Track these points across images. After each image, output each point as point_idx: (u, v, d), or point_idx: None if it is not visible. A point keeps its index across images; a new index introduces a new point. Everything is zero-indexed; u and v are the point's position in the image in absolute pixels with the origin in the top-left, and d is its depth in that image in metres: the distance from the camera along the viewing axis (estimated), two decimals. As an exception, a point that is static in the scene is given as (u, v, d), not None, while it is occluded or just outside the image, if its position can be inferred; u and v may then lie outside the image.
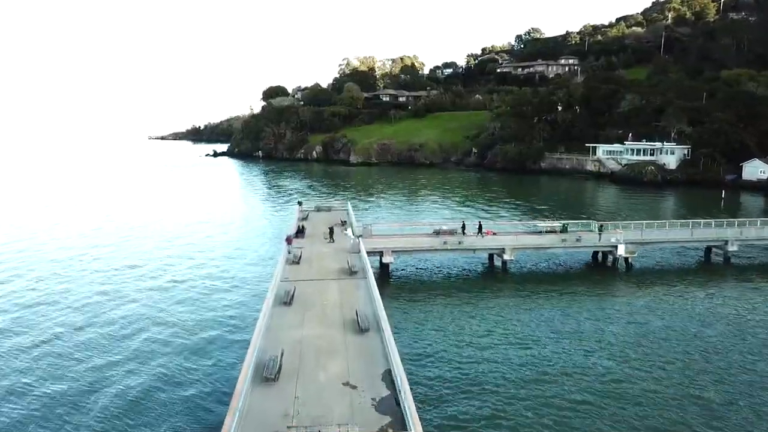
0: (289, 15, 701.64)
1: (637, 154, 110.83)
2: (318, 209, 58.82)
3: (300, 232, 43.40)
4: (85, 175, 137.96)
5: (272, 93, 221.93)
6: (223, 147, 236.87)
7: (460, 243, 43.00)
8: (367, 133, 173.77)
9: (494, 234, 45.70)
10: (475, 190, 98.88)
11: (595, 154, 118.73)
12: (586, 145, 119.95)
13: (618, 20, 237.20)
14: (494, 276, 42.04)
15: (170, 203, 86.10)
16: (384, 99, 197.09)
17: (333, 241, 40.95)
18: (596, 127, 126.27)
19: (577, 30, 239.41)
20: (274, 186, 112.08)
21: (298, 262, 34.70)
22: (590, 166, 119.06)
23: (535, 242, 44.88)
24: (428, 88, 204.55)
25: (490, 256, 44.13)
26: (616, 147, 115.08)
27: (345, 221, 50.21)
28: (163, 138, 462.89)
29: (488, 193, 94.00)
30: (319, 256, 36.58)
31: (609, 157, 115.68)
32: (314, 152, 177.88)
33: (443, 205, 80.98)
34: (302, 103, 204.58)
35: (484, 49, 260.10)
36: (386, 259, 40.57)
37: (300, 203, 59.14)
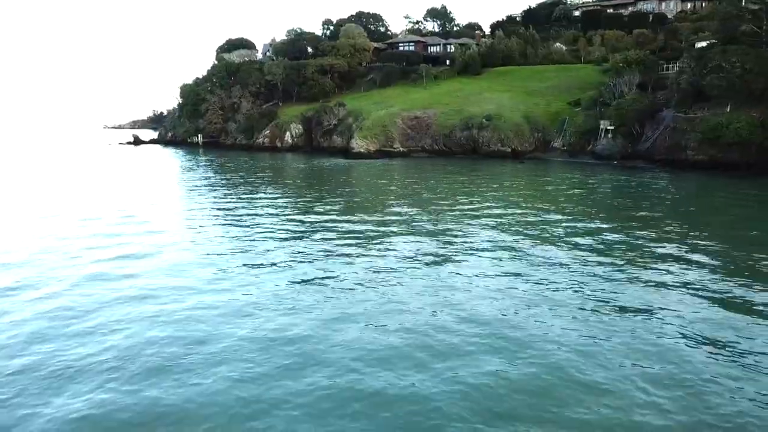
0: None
1: None
2: None
3: None
4: None
5: (231, 48, 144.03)
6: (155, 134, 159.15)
7: None
8: (382, 100, 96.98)
9: None
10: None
11: None
12: None
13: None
14: None
15: None
16: (406, 48, 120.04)
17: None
18: None
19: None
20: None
21: None
22: None
23: None
24: (478, 31, 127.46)
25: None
26: None
27: None
28: (120, 127, 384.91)
29: None
30: None
31: None
32: (288, 135, 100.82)
33: None
34: (273, 59, 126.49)
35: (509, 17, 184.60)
36: None
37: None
